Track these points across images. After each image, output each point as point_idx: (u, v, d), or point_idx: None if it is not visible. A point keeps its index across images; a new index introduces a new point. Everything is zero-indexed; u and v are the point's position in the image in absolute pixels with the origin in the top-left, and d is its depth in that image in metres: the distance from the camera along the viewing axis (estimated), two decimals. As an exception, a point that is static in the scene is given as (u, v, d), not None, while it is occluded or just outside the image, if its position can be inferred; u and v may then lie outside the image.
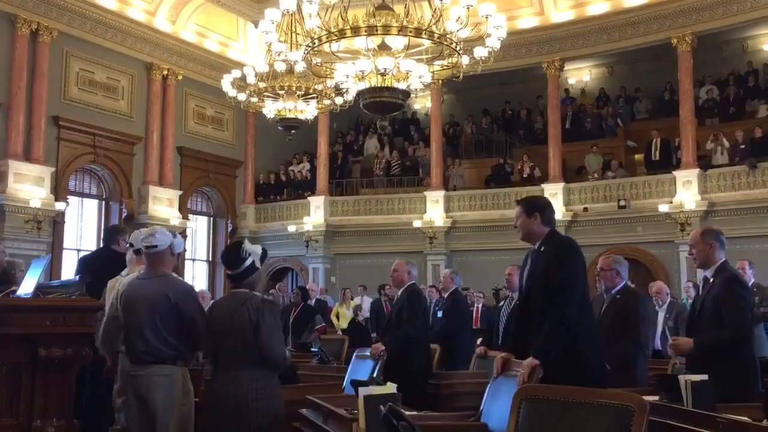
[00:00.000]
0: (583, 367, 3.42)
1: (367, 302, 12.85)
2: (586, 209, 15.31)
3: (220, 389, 3.56)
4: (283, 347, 3.67)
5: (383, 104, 7.57)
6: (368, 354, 5.33)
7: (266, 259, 3.92)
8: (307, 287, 12.45)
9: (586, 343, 3.52)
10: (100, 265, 4.90)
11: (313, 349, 7.60)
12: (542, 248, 3.65)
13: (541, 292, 3.56)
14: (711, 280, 3.98)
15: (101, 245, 5.66)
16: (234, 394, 3.49)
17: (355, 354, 5.59)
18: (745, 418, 2.98)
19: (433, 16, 6.87)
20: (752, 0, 14.00)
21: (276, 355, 3.57)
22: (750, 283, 6.74)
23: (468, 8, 6.78)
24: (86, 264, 5.32)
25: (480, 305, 11.19)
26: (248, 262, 3.69)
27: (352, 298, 13.01)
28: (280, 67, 9.24)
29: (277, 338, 3.62)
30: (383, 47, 7.22)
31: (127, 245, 4.59)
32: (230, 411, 3.48)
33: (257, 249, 3.78)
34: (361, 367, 5.22)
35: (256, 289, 3.77)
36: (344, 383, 5.20)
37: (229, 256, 3.77)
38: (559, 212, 14.62)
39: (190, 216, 17.45)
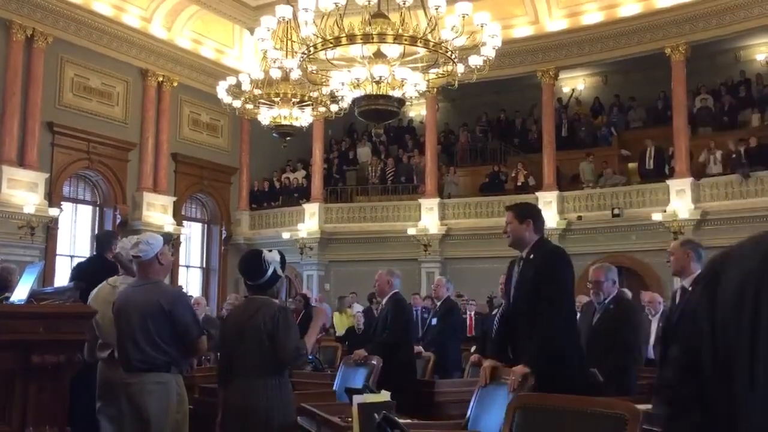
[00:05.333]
0: (569, 378, 3.43)
1: (356, 308, 12.83)
2: (580, 217, 15.35)
3: (233, 397, 3.53)
4: (299, 346, 3.55)
5: (378, 112, 7.58)
6: (351, 360, 5.38)
7: (286, 265, 3.84)
8: (306, 293, 12.42)
9: (571, 353, 3.54)
10: (93, 273, 4.89)
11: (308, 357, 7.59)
12: (531, 256, 3.65)
13: (530, 300, 3.56)
14: (690, 289, 4.05)
15: (94, 252, 5.62)
16: (248, 402, 3.46)
17: (343, 361, 5.61)
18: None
19: (428, 24, 6.89)
20: (745, 11, 14.11)
21: (294, 359, 3.54)
22: None
23: (463, 17, 6.82)
24: (80, 272, 5.30)
25: (472, 313, 11.10)
26: (270, 272, 3.64)
27: (350, 306, 12.99)
28: (276, 74, 9.26)
29: (294, 341, 3.52)
30: (378, 55, 7.24)
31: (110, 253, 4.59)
32: (244, 419, 3.46)
33: (276, 256, 3.71)
34: (350, 374, 5.23)
35: (279, 297, 3.75)
36: (334, 386, 5.23)
37: (249, 268, 3.70)
38: (554, 220, 14.67)
39: (185, 222, 17.43)
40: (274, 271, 3.67)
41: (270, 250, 3.78)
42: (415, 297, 9.94)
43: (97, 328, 4.19)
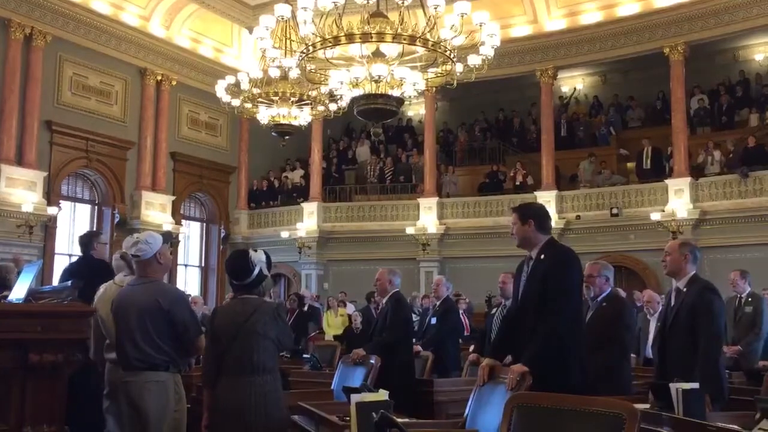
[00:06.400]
0: (567, 378, 3.43)
1: (350, 308, 12.84)
2: (578, 217, 15.36)
3: (227, 396, 3.54)
4: (291, 337, 3.89)
5: (377, 111, 7.57)
6: (350, 359, 5.39)
7: (272, 265, 3.88)
8: (300, 293, 12.43)
9: (572, 353, 3.55)
10: (84, 273, 4.89)
11: (305, 356, 7.60)
12: (541, 256, 3.66)
13: (538, 299, 3.57)
14: (684, 290, 4.07)
15: (81, 253, 5.66)
16: (242, 400, 3.48)
17: (341, 360, 5.61)
18: (735, 426, 3.00)
19: (427, 23, 6.89)
20: (744, 11, 14.12)
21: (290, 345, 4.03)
22: (745, 293, 6.80)
23: (462, 16, 6.81)
24: (71, 274, 5.29)
25: (461, 311, 10.97)
26: (256, 271, 3.68)
27: (344, 305, 12.99)
28: (275, 73, 9.24)
29: (289, 336, 3.81)
30: (377, 54, 7.24)
31: (117, 248, 4.60)
32: (238, 417, 3.47)
33: (262, 256, 3.75)
34: (348, 373, 5.24)
35: (266, 296, 3.78)
36: (332, 385, 5.24)
37: (236, 268, 3.72)
38: (552, 220, 14.64)
39: (183, 221, 17.41)
40: (260, 270, 3.70)
41: (255, 250, 3.81)
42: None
43: (104, 327, 4.19)
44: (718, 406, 3.73)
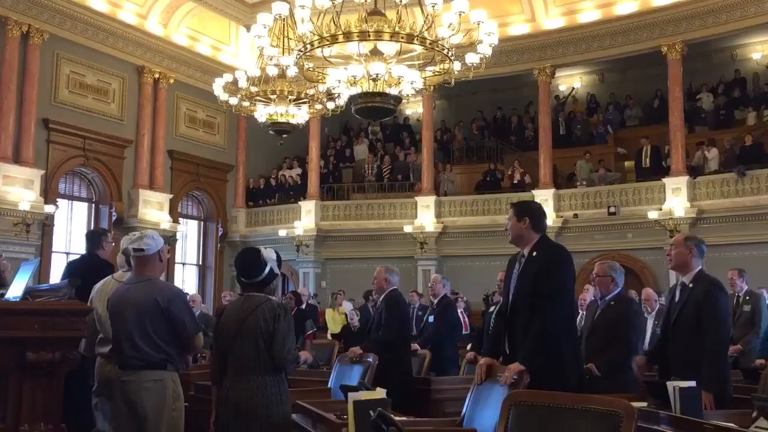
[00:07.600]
0: (562, 376, 3.44)
1: (346, 306, 12.84)
2: (576, 215, 15.37)
3: (230, 395, 3.53)
4: (294, 351, 3.61)
5: (375, 109, 7.58)
6: (347, 357, 5.39)
7: (281, 263, 3.84)
8: (298, 291, 12.42)
9: (568, 352, 3.55)
10: (86, 272, 4.86)
11: (302, 354, 7.59)
12: (534, 254, 3.67)
13: (530, 297, 3.58)
14: (690, 286, 4.05)
15: (85, 251, 5.54)
16: (243, 398, 3.47)
17: (338, 359, 5.62)
18: (732, 425, 3.00)
19: (425, 22, 6.89)
20: (741, 10, 14.13)
21: (287, 362, 3.57)
22: (743, 291, 6.82)
23: (460, 14, 6.81)
24: (73, 270, 5.26)
25: (460, 309, 11.00)
26: (266, 270, 3.65)
27: (341, 304, 13.01)
28: (272, 71, 9.25)
29: (290, 343, 3.58)
30: (375, 53, 7.24)
31: (116, 247, 4.58)
32: (241, 415, 3.47)
33: (273, 255, 3.72)
34: (345, 372, 5.24)
35: (274, 294, 3.75)
36: (329, 384, 5.24)
37: (247, 266, 3.69)
38: (550, 218, 14.66)
39: (181, 220, 17.39)
40: (271, 269, 3.67)
41: (265, 248, 3.78)
42: (412, 294, 9.91)
43: (99, 322, 4.17)
44: (722, 406, 3.71)
